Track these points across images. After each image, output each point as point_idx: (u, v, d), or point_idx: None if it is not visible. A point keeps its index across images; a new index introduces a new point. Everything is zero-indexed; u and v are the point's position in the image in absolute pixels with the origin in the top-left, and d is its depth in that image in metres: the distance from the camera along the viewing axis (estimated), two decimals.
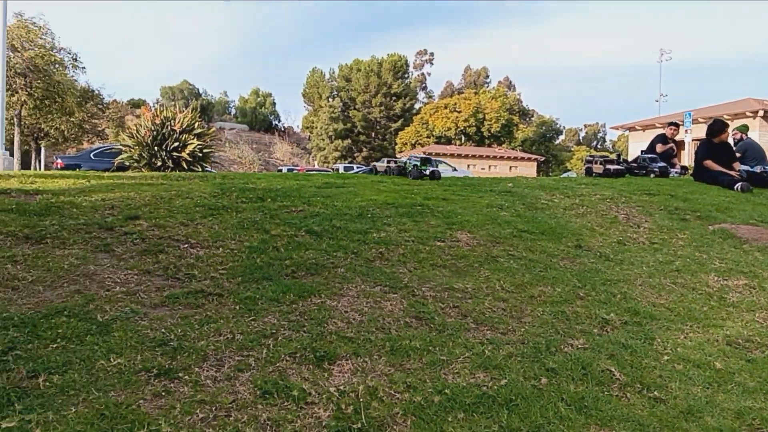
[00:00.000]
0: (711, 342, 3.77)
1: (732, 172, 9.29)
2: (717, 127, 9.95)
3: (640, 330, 3.84)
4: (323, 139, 68.54)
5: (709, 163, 9.60)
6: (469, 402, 2.78)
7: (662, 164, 10.88)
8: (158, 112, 12.08)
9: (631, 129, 42.57)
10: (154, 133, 11.50)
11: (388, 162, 10.27)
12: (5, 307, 3.22)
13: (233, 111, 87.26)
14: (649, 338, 3.73)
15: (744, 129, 11.43)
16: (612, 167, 10.24)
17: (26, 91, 28.72)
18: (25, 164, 35.60)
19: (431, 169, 9.04)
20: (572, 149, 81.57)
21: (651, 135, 16.08)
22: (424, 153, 48.26)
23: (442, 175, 9.18)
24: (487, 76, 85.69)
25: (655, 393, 3.08)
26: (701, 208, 7.10)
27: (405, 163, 9.59)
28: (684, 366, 3.41)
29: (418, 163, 9.12)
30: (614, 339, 3.66)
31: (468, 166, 46.59)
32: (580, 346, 3.53)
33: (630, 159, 12.09)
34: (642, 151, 12.59)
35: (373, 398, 2.74)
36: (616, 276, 4.77)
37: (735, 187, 8.72)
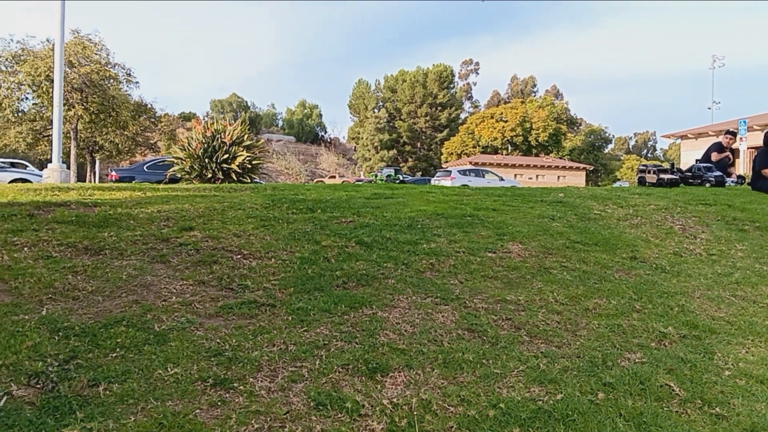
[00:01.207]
0: None
1: None
2: None
3: (699, 344, 3.73)
4: (369, 150, 68.88)
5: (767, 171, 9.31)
6: (525, 416, 2.73)
7: (718, 173, 10.60)
8: (209, 125, 12.31)
9: (683, 137, 41.55)
10: (205, 145, 11.72)
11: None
12: (66, 316, 3.31)
13: (280, 123, 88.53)
14: (709, 352, 3.61)
15: None
16: (666, 176, 10.02)
17: (82, 105, 29.67)
18: (81, 177, 36.71)
19: (402, 178, 9.94)
20: (622, 158, 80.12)
21: (703, 143, 15.69)
22: (471, 163, 48.03)
23: (489, 185, 9.11)
24: (534, 85, 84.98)
25: (717, 409, 2.98)
26: (760, 218, 6.87)
27: (376, 175, 10.74)
28: (746, 381, 3.29)
29: (392, 173, 9.70)
30: (673, 353, 3.56)
31: (515, 175, 46.16)
32: (637, 360, 3.44)
33: (684, 168, 11.78)
34: (697, 160, 12.26)
35: (426, 411, 2.71)
36: (673, 288, 4.64)
37: None
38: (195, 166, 11.77)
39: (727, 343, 3.79)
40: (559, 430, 2.65)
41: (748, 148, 26.99)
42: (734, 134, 12.77)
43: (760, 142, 9.88)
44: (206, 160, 11.66)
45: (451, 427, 2.61)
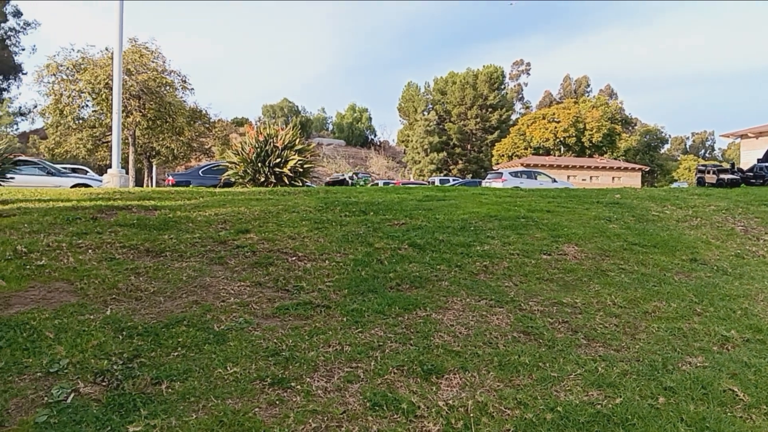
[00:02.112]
0: None
1: None
2: None
3: (764, 348, 3.61)
4: (418, 153, 68.77)
5: None
6: (583, 420, 2.69)
7: None
8: (261, 130, 12.48)
9: (743, 137, 40.11)
10: (258, 149, 11.89)
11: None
12: (130, 316, 3.42)
13: (330, 127, 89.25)
14: None
15: None
16: (726, 177, 9.74)
17: (140, 112, 30.45)
18: (139, 182, 37.75)
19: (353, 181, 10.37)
20: (678, 158, 78.02)
21: (764, 142, 15.14)
22: (522, 165, 47.47)
23: (541, 186, 8.97)
24: (588, 85, 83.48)
25: None
26: None
27: (350, 178, 10.98)
28: None
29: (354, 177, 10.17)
30: (736, 357, 3.45)
31: (568, 177, 45.38)
32: (699, 364, 3.35)
33: (744, 168, 11.40)
34: (758, 160, 11.85)
35: (482, 414, 2.70)
36: (735, 291, 4.50)
37: None
38: (248, 170, 11.95)
39: None
40: None
41: None
42: None
43: None
44: (259, 164, 11.83)
45: (508, 430, 2.59)
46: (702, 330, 3.80)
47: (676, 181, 54.91)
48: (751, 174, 10.47)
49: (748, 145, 37.89)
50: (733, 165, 10.64)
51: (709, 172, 10.04)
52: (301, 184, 12.06)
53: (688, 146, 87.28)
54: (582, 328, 3.72)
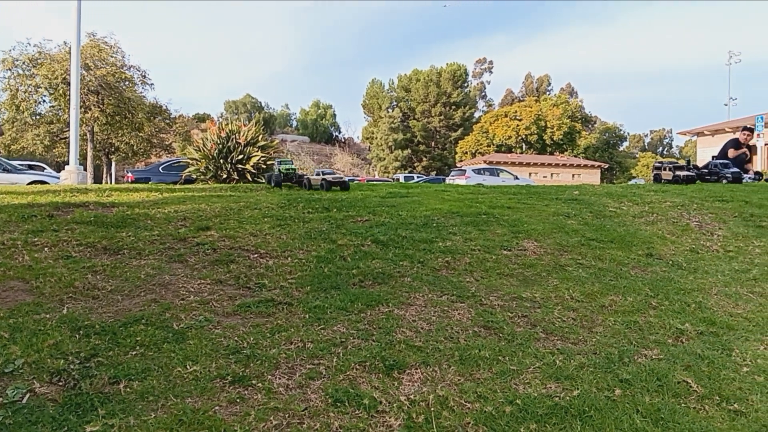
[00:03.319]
0: None
1: None
2: None
3: (717, 340, 3.71)
4: (383, 150, 68.86)
5: None
6: (542, 413, 2.74)
7: (735, 170, 10.51)
8: (223, 126, 12.35)
9: (700, 134, 41.17)
10: (220, 146, 11.76)
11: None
12: (87, 315, 3.36)
13: (294, 123, 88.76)
14: (727, 349, 3.60)
15: None
16: (682, 173, 9.96)
17: (99, 107, 29.88)
18: (97, 178, 37.02)
19: (302, 174, 9.01)
20: (637, 156, 79.54)
21: (720, 140, 15.56)
22: (485, 162, 47.89)
23: (504, 184, 9.03)
24: (549, 83, 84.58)
25: (735, 406, 2.97)
26: None
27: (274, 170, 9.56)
28: (765, 378, 3.28)
29: (282, 168, 9.13)
30: (690, 350, 3.55)
31: (530, 174, 45.96)
32: (654, 356, 3.43)
33: (700, 165, 11.69)
34: (713, 157, 12.17)
35: (443, 408, 2.73)
36: (689, 285, 4.62)
37: None
38: (210, 167, 11.81)
39: (745, 339, 3.77)
40: (575, 427, 2.66)
41: (765, 145, 26.71)
42: (751, 131, 12.67)
43: None
44: (221, 161, 11.70)
45: (468, 423, 2.62)
46: (657, 323, 3.89)
47: (634, 178, 55.98)
48: (706, 171, 10.72)
49: (705, 143, 38.90)
50: (688, 162, 10.89)
51: (665, 169, 10.25)
52: (264, 181, 11.97)
53: (646, 144, 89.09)
54: (541, 321, 3.78)
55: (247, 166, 11.71)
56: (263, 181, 11.74)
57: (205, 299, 3.74)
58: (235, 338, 3.23)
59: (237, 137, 11.96)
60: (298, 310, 3.66)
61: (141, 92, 33.39)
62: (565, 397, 2.90)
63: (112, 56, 31.09)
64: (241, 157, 11.77)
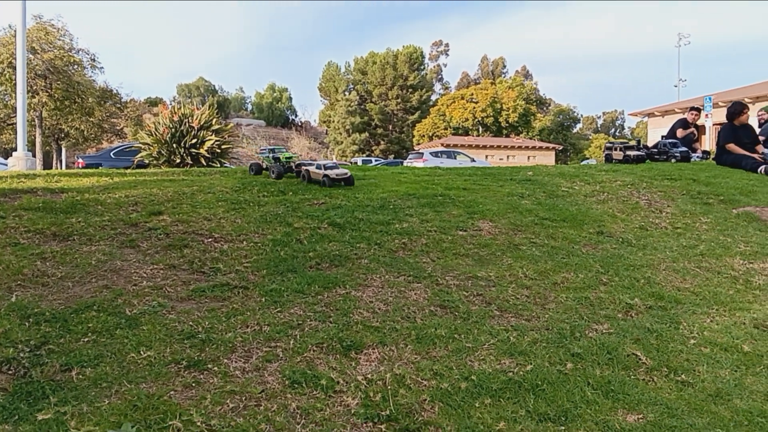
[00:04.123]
0: (738, 325, 3.74)
1: (755, 155, 9.17)
2: (735, 108, 9.82)
3: (665, 314, 3.83)
4: (340, 133, 68.57)
5: (731, 146, 9.49)
6: (496, 388, 2.79)
7: (683, 149, 10.75)
8: (176, 110, 12.13)
9: (650, 115, 42.08)
10: (173, 130, 11.56)
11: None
12: (36, 302, 3.29)
13: (250, 107, 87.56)
14: (675, 322, 3.71)
15: None
16: (632, 153, 10.15)
17: (47, 92, 29.01)
18: (47, 165, 36.02)
19: (316, 163, 6.84)
20: (590, 137, 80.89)
21: (670, 120, 15.96)
22: (443, 145, 48.12)
23: (461, 165, 8.99)
24: (504, 66, 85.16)
25: (683, 376, 3.08)
26: (724, 192, 7.03)
27: (262, 160, 7.55)
28: (711, 349, 3.40)
29: (279, 157, 7.20)
30: (639, 324, 3.65)
31: (486, 156, 46.37)
32: (604, 331, 3.52)
33: (650, 145, 11.94)
34: (662, 137, 12.44)
35: (400, 386, 2.76)
36: (639, 261, 4.75)
37: (759, 170, 8.61)
38: (163, 152, 11.60)
39: (692, 312, 3.89)
40: (529, 400, 2.72)
41: (713, 125, 27.45)
42: (699, 110, 12.97)
43: (724, 119, 10.05)
44: (174, 145, 11.50)
45: (425, 400, 2.65)
46: (608, 298, 3.99)
47: (586, 158, 56.97)
48: (656, 150, 10.95)
49: (655, 123, 39.75)
50: (639, 142, 11.11)
51: (616, 149, 10.44)
52: (219, 166, 11.81)
53: (599, 125, 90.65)
54: (495, 300, 3.84)
55: (201, 151, 11.54)
56: (217, 165, 11.58)
57: (158, 284, 3.69)
58: (190, 323, 3.20)
59: (190, 121, 11.77)
60: (254, 294, 3.65)
61: (90, 76, 32.52)
62: (519, 372, 2.96)
63: (59, 39, 30.14)
64: (194, 141, 11.59)
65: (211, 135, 11.89)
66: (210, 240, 4.53)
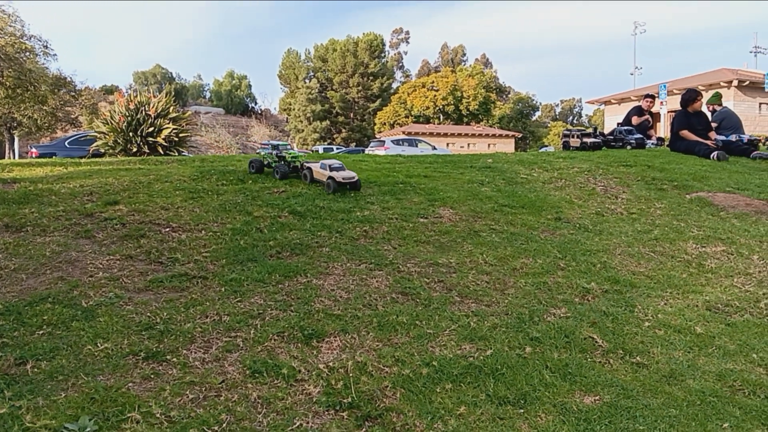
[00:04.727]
0: (691, 307, 3.85)
1: (708, 141, 9.40)
2: (689, 96, 10.03)
3: (620, 298, 3.91)
4: (301, 121, 68.04)
5: (685, 133, 9.70)
6: (457, 373, 2.82)
7: (638, 136, 10.96)
8: (132, 98, 11.89)
9: (607, 103, 42.84)
10: (129, 118, 11.33)
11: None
12: None
13: (208, 94, 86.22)
14: (630, 306, 3.80)
15: (715, 100, 11.46)
16: (589, 140, 10.31)
17: None
18: None
19: (320, 162, 5.91)
20: (549, 125, 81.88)
21: (626, 108, 16.28)
22: (404, 133, 48.17)
23: (422, 153, 8.91)
24: (464, 54, 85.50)
25: (638, 358, 3.15)
26: (678, 178, 7.19)
27: (263, 156, 6.56)
28: (665, 331, 3.49)
29: (285, 155, 6.28)
30: (596, 307, 3.73)
31: (447, 144, 46.61)
32: (562, 315, 3.59)
33: (606, 132, 12.13)
34: (618, 124, 12.66)
35: (362, 373, 2.77)
36: (595, 246, 4.84)
37: (711, 156, 8.84)
38: (119, 140, 11.37)
39: (646, 296, 3.99)
40: (488, 384, 2.76)
41: (668, 112, 28.06)
42: (653, 97, 13.22)
43: (678, 106, 10.27)
44: (131, 134, 11.28)
45: (386, 387, 2.67)
46: (565, 283, 4.06)
47: (545, 146, 57.70)
48: (612, 137, 11.14)
49: (611, 111, 40.47)
50: (595, 129, 11.30)
51: (573, 136, 10.59)
52: (176, 154, 11.62)
53: (557, 113, 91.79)
54: (456, 286, 3.87)
55: (159, 139, 11.34)
56: (175, 154, 11.40)
57: (114, 275, 3.62)
58: (148, 314, 3.15)
59: (147, 109, 11.55)
60: (213, 284, 3.61)
61: (43, 63, 31.55)
62: (479, 356, 3.00)
63: (10, 26, 29.14)
64: (151, 129, 11.38)
65: (169, 123, 11.69)
66: (168, 230, 4.46)
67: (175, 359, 2.75)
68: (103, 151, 11.81)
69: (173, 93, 15.11)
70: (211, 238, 4.33)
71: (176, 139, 11.84)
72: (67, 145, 16.22)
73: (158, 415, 2.31)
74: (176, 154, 11.67)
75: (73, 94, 35.89)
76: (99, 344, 2.81)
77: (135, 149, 11.27)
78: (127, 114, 11.41)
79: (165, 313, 3.17)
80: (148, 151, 11.27)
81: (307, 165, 5.93)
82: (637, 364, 3.10)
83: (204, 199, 5.21)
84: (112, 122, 11.55)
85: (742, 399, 2.84)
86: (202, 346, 2.90)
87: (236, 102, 79.98)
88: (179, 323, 3.09)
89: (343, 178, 5.54)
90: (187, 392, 2.49)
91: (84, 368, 2.60)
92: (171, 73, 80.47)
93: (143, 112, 11.45)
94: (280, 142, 6.50)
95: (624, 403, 2.70)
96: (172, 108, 12.19)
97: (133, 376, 2.58)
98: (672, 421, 2.59)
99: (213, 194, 5.36)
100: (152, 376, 2.60)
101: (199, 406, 2.41)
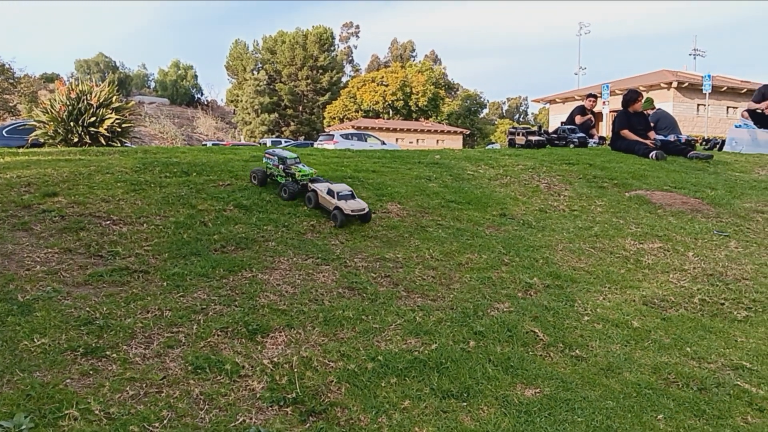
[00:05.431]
0: (628, 302, 3.98)
1: (647, 141, 9.68)
2: (630, 96, 10.30)
3: (561, 293, 4.01)
4: (249, 113, 67.14)
5: (626, 132, 9.96)
6: (402, 367, 2.85)
7: (581, 135, 11.20)
8: (73, 87, 11.55)
9: (552, 102, 43.76)
10: (70, 108, 10.99)
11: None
12: None
13: (153, 84, 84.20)
14: (570, 300, 3.90)
15: (647, 105, 11.79)
16: (533, 138, 10.47)
17: None
18: None
19: (327, 185, 4.99)
20: (496, 122, 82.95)
21: (571, 107, 16.65)
22: (353, 127, 48.08)
23: (372, 148, 8.86)
24: (413, 50, 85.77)
25: (577, 351, 3.25)
26: (618, 176, 7.40)
27: (267, 167, 5.59)
28: (603, 325, 3.60)
29: (294, 173, 5.30)
30: (537, 302, 3.81)
31: (396, 140, 46.76)
32: (505, 309, 3.66)
33: (551, 130, 12.37)
34: (562, 123, 12.93)
35: (307, 368, 2.77)
36: (538, 242, 4.94)
37: (650, 155, 9.11)
38: (59, 130, 11.01)
39: (586, 291, 4.10)
40: (433, 378, 2.79)
41: (610, 112, 28.81)
42: (596, 97, 13.54)
43: (620, 106, 10.54)
44: (71, 124, 10.94)
45: (332, 381, 2.68)
46: (509, 278, 4.14)
47: (492, 143, 58.51)
48: (556, 136, 11.37)
49: (556, 110, 41.36)
50: (540, 127, 11.52)
51: (519, 134, 10.75)
52: (119, 145, 11.33)
53: (504, 111, 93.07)
54: (402, 281, 3.90)
55: (101, 129, 11.04)
56: (118, 145, 11.12)
57: (53, 269, 3.52)
58: (87, 309, 3.07)
59: (89, 98, 11.23)
60: (155, 278, 3.54)
61: None
62: (424, 350, 3.03)
63: None
64: (93, 119, 11.07)
65: (111, 113, 11.39)
66: (108, 222, 4.35)
67: (115, 355, 2.70)
68: (42, 140, 11.43)
69: (116, 82, 14.72)
70: (153, 232, 4.24)
71: (119, 129, 11.55)
72: (5, 134, 15.63)
73: (97, 412, 2.26)
74: (119, 145, 11.38)
75: (12, 81, 34.67)
76: (36, 340, 2.73)
77: (76, 139, 10.94)
78: (68, 103, 11.07)
79: (105, 308, 3.10)
80: (89, 141, 10.96)
81: (313, 187, 5.09)
82: (576, 357, 3.19)
83: (146, 191, 5.09)
84: (53, 111, 11.19)
85: (676, 391, 2.96)
86: (143, 342, 2.85)
87: (182, 92, 78.33)
88: (120, 318, 3.02)
89: (352, 210, 4.71)
90: (128, 388, 2.45)
91: (20, 364, 2.53)
92: (114, 62, 78.26)
93: (85, 102, 11.13)
94: (288, 154, 5.48)
95: (563, 396, 2.78)
96: (115, 97, 11.89)
97: (71, 372, 2.52)
98: (609, 413, 2.68)
99: (156, 186, 5.24)
100: (91, 372, 2.54)
101: (139, 402, 2.37)
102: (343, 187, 4.78)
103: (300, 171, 5.26)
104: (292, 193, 5.19)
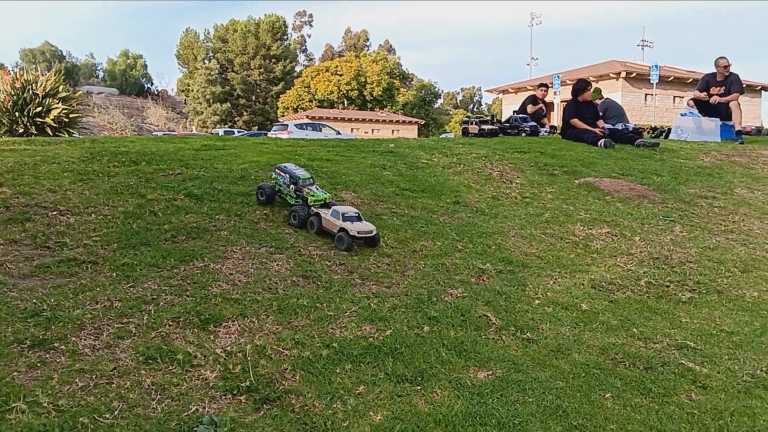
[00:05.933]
0: (578, 286, 4.07)
1: (596, 130, 9.88)
2: (580, 86, 10.49)
3: (513, 278, 4.08)
4: (200, 103, 66.07)
5: (575, 121, 10.15)
6: (356, 353, 2.87)
7: (533, 124, 11.35)
8: (18, 76, 11.23)
9: (505, 92, 44.27)
10: (15, 97, 10.68)
11: None
12: None
13: (101, 74, 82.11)
14: (522, 285, 3.98)
15: (595, 95, 12.02)
16: (486, 127, 10.57)
17: None
18: None
19: (332, 207, 4.51)
20: (451, 112, 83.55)
21: (523, 97, 16.85)
22: (308, 117, 47.78)
23: (326, 138, 8.75)
24: (368, 39, 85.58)
25: (528, 334, 3.32)
26: (568, 164, 7.54)
27: (275, 182, 4.99)
28: (553, 309, 3.68)
29: (306, 197, 4.67)
30: (490, 287, 3.87)
31: (351, 129, 46.63)
32: (459, 294, 3.70)
33: (503, 120, 12.51)
34: (514, 112, 13.08)
35: (261, 356, 2.76)
36: (491, 229, 5.01)
37: (599, 144, 9.29)
38: (4, 121, 10.69)
39: (537, 275, 4.18)
40: (387, 363, 2.82)
41: (561, 101, 29.28)
42: (547, 87, 13.75)
43: (570, 95, 10.72)
44: (17, 114, 10.63)
45: (286, 369, 2.67)
46: (462, 264, 4.19)
47: (446, 132, 58.90)
48: (508, 125, 11.50)
49: (509, 100, 41.84)
50: (493, 116, 11.63)
51: (472, 123, 10.84)
52: (67, 136, 11.05)
53: (458, 101, 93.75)
54: (357, 268, 3.91)
55: (47, 120, 10.76)
56: (65, 135, 10.83)
57: None
58: (34, 300, 3.00)
59: (34, 88, 10.91)
60: (104, 269, 3.47)
61: None
62: (379, 336, 3.05)
63: None
64: (39, 109, 10.77)
65: (58, 103, 11.10)
66: (55, 213, 4.24)
67: (63, 347, 2.64)
68: None
69: (63, 72, 14.31)
70: (101, 222, 4.15)
71: (66, 119, 11.27)
72: None
73: (46, 404, 2.21)
74: (66, 135, 11.10)
75: None
76: None
77: (21, 130, 10.63)
78: (12, 93, 10.74)
79: (52, 300, 3.03)
80: (35, 132, 10.66)
81: (316, 210, 4.60)
82: (527, 340, 3.26)
83: (94, 181, 4.97)
84: None
85: (623, 370, 3.05)
86: (92, 333, 2.80)
87: (131, 82, 76.61)
88: (68, 310, 2.96)
89: (358, 232, 4.32)
90: (77, 380, 2.40)
91: None
92: (61, 51, 76.02)
93: (30, 91, 10.82)
94: (302, 173, 4.85)
95: (515, 377, 2.84)
96: (62, 87, 11.59)
97: (18, 365, 2.46)
98: (559, 393, 2.75)
99: (104, 176, 5.12)
100: (39, 364, 2.48)
101: (89, 394, 2.33)
102: (348, 209, 4.47)
103: (313, 195, 4.66)
104: (303, 219, 4.62)
